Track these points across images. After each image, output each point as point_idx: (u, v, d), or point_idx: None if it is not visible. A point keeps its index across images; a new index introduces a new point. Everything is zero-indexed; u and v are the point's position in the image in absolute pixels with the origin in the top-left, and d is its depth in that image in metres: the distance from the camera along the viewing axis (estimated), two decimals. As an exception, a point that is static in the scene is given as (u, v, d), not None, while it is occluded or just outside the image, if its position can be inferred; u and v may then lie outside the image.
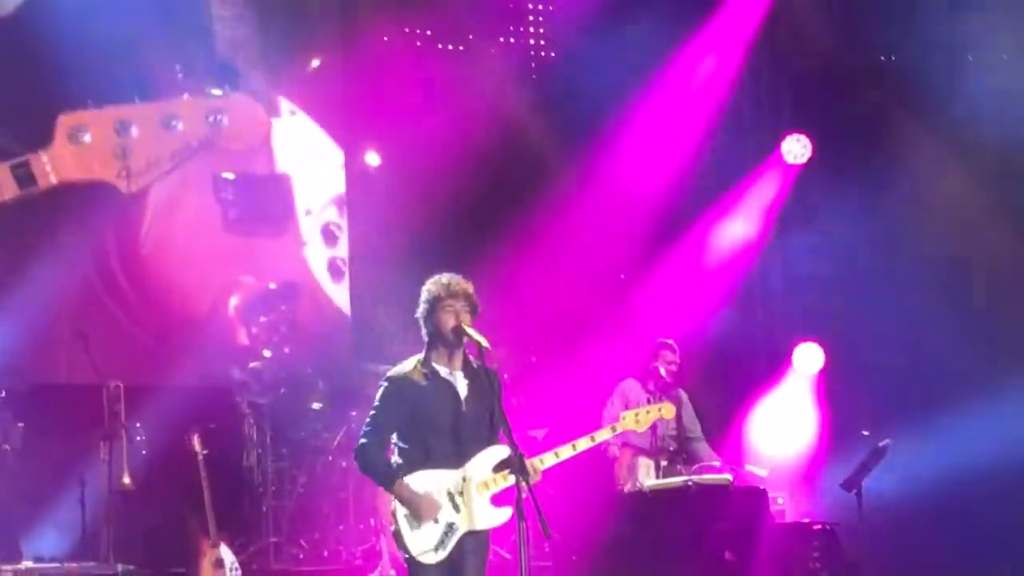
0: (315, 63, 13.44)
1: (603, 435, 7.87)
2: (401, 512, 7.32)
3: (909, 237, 12.84)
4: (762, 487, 11.20)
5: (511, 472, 7.13)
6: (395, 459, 7.48)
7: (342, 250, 13.52)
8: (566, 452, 7.61)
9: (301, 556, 11.69)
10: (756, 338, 13.69)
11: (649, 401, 10.74)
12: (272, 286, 12.89)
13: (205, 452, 10.84)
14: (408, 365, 7.54)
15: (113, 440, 11.04)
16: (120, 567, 10.68)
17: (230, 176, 12.69)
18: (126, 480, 10.96)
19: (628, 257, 13.52)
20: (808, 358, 13.13)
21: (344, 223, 13.52)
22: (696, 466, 11.03)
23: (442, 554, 7.30)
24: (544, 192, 13.17)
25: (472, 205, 13.17)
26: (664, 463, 11.12)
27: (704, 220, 13.51)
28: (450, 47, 13.75)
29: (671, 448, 11.21)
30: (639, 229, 13.41)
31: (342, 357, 12.88)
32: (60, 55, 11.16)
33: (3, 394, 11.03)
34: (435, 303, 7.41)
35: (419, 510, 7.28)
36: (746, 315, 13.61)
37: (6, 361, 11.18)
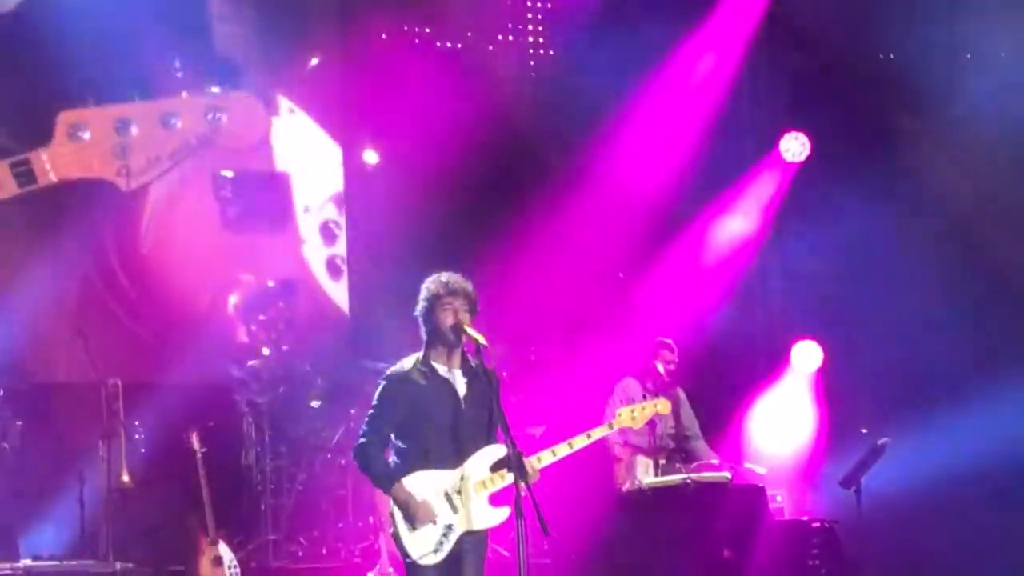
0: (314, 61, 13.44)
1: (600, 432, 7.88)
2: (399, 514, 7.33)
3: (908, 235, 12.83)
4: (761, 485, 11.20)
5: (509, 471, 7.13)
6: (393, 458, 7.49)
7: (341, 248, 13.52)
8: (563, 450, 7.62)
9: (300, 554, 11.69)
10: (755, 336, 13.69)
11: (646, 399, 10.74)
12: (271, 284, 12.88)
13: (204, 450, 10.83)
14: (407, 363, 7.55)
15: (112, 438, 11.06)
16: (119, 565, 10.69)
17: (229, 174, 12.69)
18: (125, 478, 10.97)
19: (627, 255, 13.51)
20: (807, 356, 13.12)
21: (343, 221, 13.52)
22: (695, 464, 11.03)
23: (441, 556, 7.31)
24: (543, 190, 13.16)
25: (471, 203, 13.17)
26: (663, 461, 11.12)
27: (703, 218, 13.51)
28: (449, 45, 13.76)
29: (669, 446, 11.22)
30: (638, 227, 13.40)
31: (341, 355, 12.88)
32: (59, 53, 11.16)
33: (2, 392, 11.02)
34: (434, 301, 7.41)
35: (415, 517, 7.28)
36: (745, 313, 13.61)
37: (5, 359, 11.18)
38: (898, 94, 13.06)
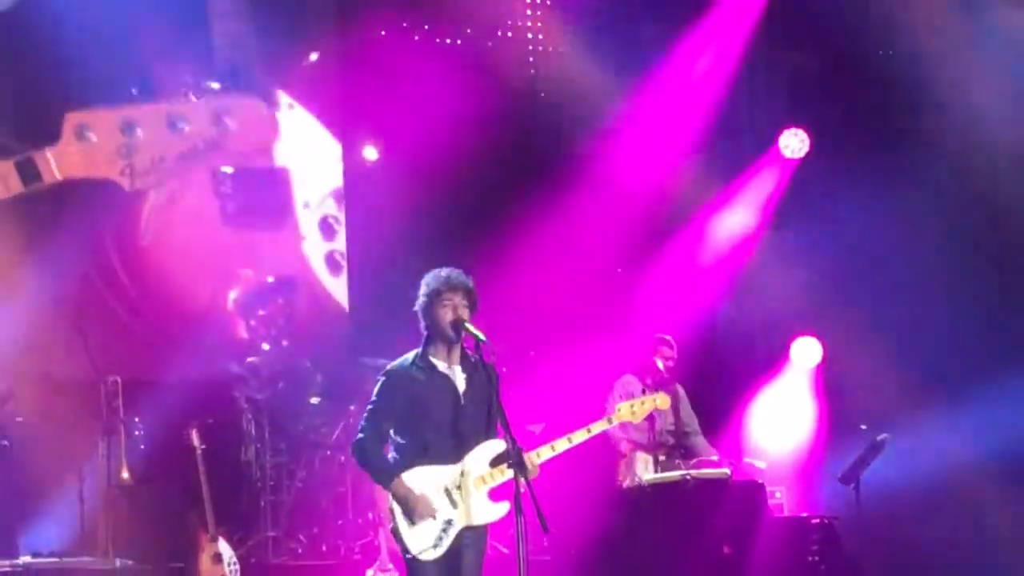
0: (313, 57, 13.44)
1: (599, 427, 7.86)
2: (399, 509, 7.33)
3: (907, 231, 12.83)
4: (760, 481, 11.21)
5: (509, 467, 7.13)
6: (392, 453, 7.49)
7: (340, 244, 13.52)
8: (562, 445, 7.61)
9: (299, 550, 11.69)
10: (754, 333, 13.69)
11: (645, 394, 10.73)
12: (270, 280, 12.88)
13: (203, 447, 10.83)
14: (406, 359, 7.54)
15: (112, 435, 11.06)
16: (119, 562, 10.70)
17: (228, 170, 12.68)
18: (125, 475, 10.97)
19: (626, 252, 13.51)
20: (806, 352, 13.13)
21: (342, 217, 13.51)
22: (694, 460, 11.04)
23: (440, 551, 7.31)
24: (542, 186, 13.15)
25: (470, 199, 13.17)
26: (662, 457, 11.13)
27: (702, 215, 13.52)
28: (448, 40, 13.75)
29: (669, 442, 11.22)
30: (637, 224, 13.40)
31: (340, 351, 12.88)
32: (59, 51, 11.16)
33: (2, 389, 11.03)
34: (434, 297, 7.41)
35: (414, 511, 7.28)
36: (744, 310, 13.61)
37: (5, 356, 11.17)
38: (898, 91, 13.05)
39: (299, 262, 13.37)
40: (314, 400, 12.09)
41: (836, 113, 13.13)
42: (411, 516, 7.28)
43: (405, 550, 7.33)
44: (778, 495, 11.67)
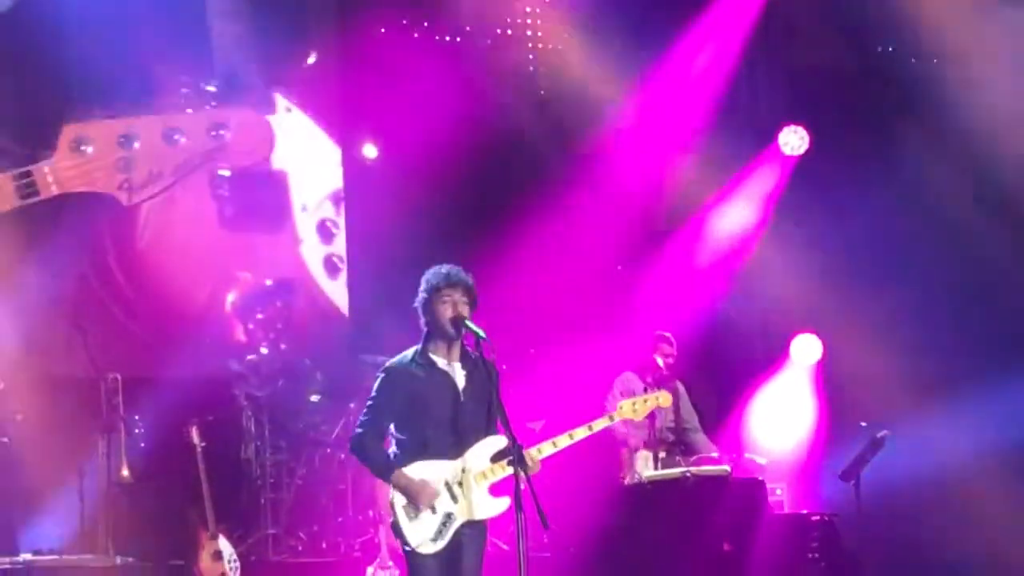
0: (311, 59, 13.43)
1: (601, 424, 7.87)
2: (399, 503, 7.34)
3: (906, 228, 12.84)
4: (760, 478, 11.21)
5: (509, 463, 7.14)
6: (392, 450, 7.49)
7: (338, 247, 13.52)
8: (564, 441, 7.62)
9: (300, 548, 11.69)
10: (754, 330, 13.69)
11: (647, 391, 10.74)
12: (268, 283, 12.88)
13: (203, 444, 10.83)
14: (406, 356, 7.56)
15: (111, 433, 11.07)
16: (119, 559, 10.71)
17: (226, 173, 12.64)
18: (124, 472, 10.98)
19: (626, 249, 13.51)
20: (806, 349, 13.13)
21: (341, 220, 13.51)
22: (694, 457, 11.04)
23: (440, 544, 7.32)
24: (541, 185, 13.16)
25: (470, 199, 13.17)
26: (662, 455, 11.12)
27: (702, 212, 13.52)
28: (448, 38, 13.75)
29: (669, 439, 11.22)
30: (637, 221, 13.41)
31: (339, 353, 12.88)
32: (58, 53, 11.16)
33: (2, 386, 11.03)
34: (433, 293, 7.41)
35: (417, 497, 7.28)
36: (744, 307, 13.60)
37: (5, 354, 11.18)
38: (896, 88, 13.05)
39: (297, 265, 13.37)
40: (314, 398, 12.10)
41: (836, 110, 13.12)
42: (415, 502, 7.28)
43: (405, 542, 7.33)
44: (778, 492, 11.67)
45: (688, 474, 10.64)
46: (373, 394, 7.54)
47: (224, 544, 10.67)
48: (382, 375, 7.57)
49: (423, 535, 7.30)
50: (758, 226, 13.50)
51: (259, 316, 12.46)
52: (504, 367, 8.43)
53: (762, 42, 13.57)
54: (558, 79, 13.56)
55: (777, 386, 13.14)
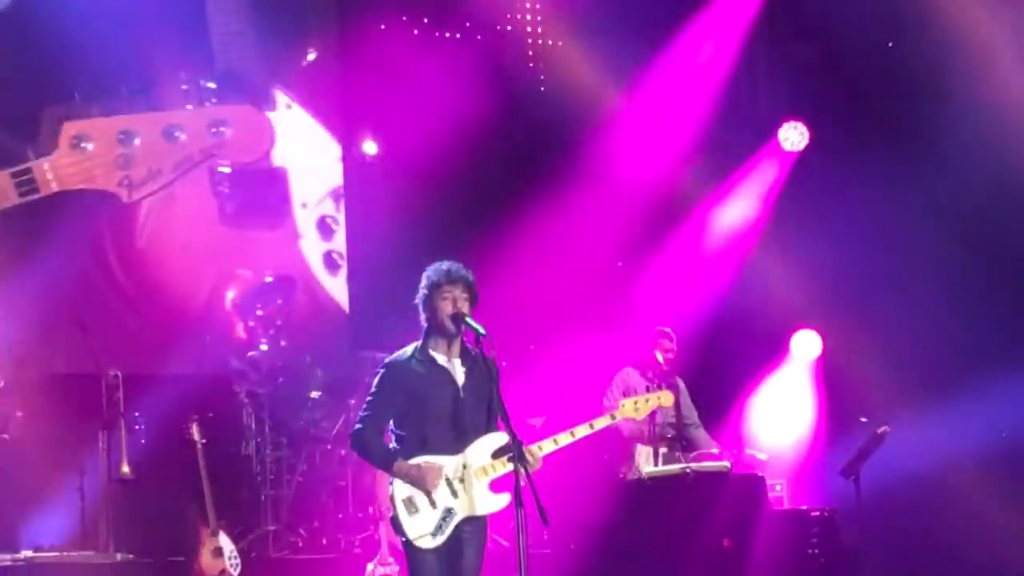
0: (311, 55, 13.43)
1: (602, 422, 7.88)
2: (399, 497, 7.33)
3: (907, 224, 12.83)
4: (760, 474, 11.21)
5: (510, 460, 7.14)
6: (392, 446, 7.50)
7: (338, 243, 13.53)
8: (565, 439, 7.63)
9: (300, 544, 11.70)
10: (754, 325, 13.68)
11: (648, 389, 10.74)
12: (268, 279, 12.87)
13: (204, 441, 10.83)
14: (406, 352, 7.56)
15: (112, 429, 11.07)
16: (119, 556, 10.71)
17: (226, 169, 12.66)
18: (125, 469, 10.97)
19: (626, 245, 13.52)
20: (806, 345, 13.13)
21: (340, 216, 13.52)
22: (695, 453, 11.04)
23: (440, 539, 7.32)
24: (542, 181, 13.16)
25: (470, 195, 13.17)
26: (663, 450, 11.12)
27: (702, 207, 13.52)
28: (448, 34, 13.75)
29: (669, 435, 11.22)
30: (637, 217, 13.42)
31: (339, 350, 12.88)
32: (56, 49, 11.16)
33: (2, 384, 11.03)
34: (433, 289, 7.41)
35: (423, 479, 7.27)
36: (744, 303, 13.60)
37: (4, 351, 11.18)
38: (898, 83, 13.04)
39: (297, 262, 13.37)
40: (314, 394, 12.10)
41: (836, 106, 13.12)
42: (421, 485, 7.27)
43: (404, 536, 7.33)
44: (778, 488, 11.67)
45: (688, 470, 10.64)
46: (373, 390, 7.54)
47: (224, 540, 10.67)
48: (382, 371, 7.58)
49: (423, 529, 7.30)
50: (758, 222, 13.50)
51: (259, 313, 12.46)
52: (504, 363, 8.44)
53: (763, 37, 13.57)
54: (558, 75, 13.55)
55: (777, 382, 13.14)
